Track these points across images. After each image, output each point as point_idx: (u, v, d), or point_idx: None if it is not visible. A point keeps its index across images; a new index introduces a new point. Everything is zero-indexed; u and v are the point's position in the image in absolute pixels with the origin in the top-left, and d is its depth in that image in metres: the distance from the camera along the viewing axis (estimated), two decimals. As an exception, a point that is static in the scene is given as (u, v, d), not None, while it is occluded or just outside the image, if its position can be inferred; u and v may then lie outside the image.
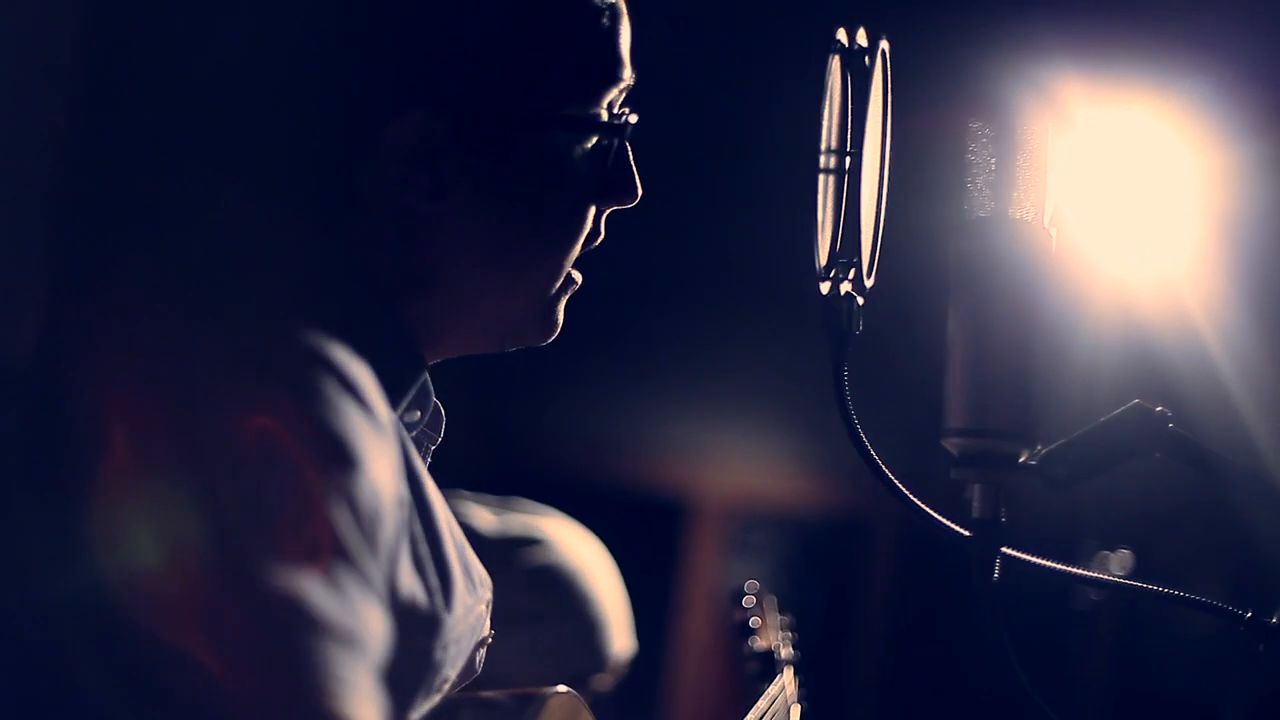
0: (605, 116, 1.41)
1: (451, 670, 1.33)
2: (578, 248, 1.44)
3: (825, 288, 1.50)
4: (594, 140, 1.41)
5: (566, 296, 1.46)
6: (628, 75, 1.42)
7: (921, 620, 5.62)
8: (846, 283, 1.49)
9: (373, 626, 1.12)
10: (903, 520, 5.65)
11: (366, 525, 1.14)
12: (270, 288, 1.28)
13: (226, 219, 1.33)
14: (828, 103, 1.47)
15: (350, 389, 1.19)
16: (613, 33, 1.42)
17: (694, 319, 5.37)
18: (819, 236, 1.48)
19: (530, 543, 2.42)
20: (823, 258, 1.49)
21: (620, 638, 2.46)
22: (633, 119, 1.42)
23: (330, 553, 1.12)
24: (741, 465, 5.81)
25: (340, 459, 1.15)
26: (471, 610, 1.36)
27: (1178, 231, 3.10)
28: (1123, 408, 1.48)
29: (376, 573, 1.15)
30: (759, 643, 2.12)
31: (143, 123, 1.34)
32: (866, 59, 1.48)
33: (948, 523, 1.50)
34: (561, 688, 1.47)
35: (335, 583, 1.11)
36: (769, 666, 2.09)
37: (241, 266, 1.29)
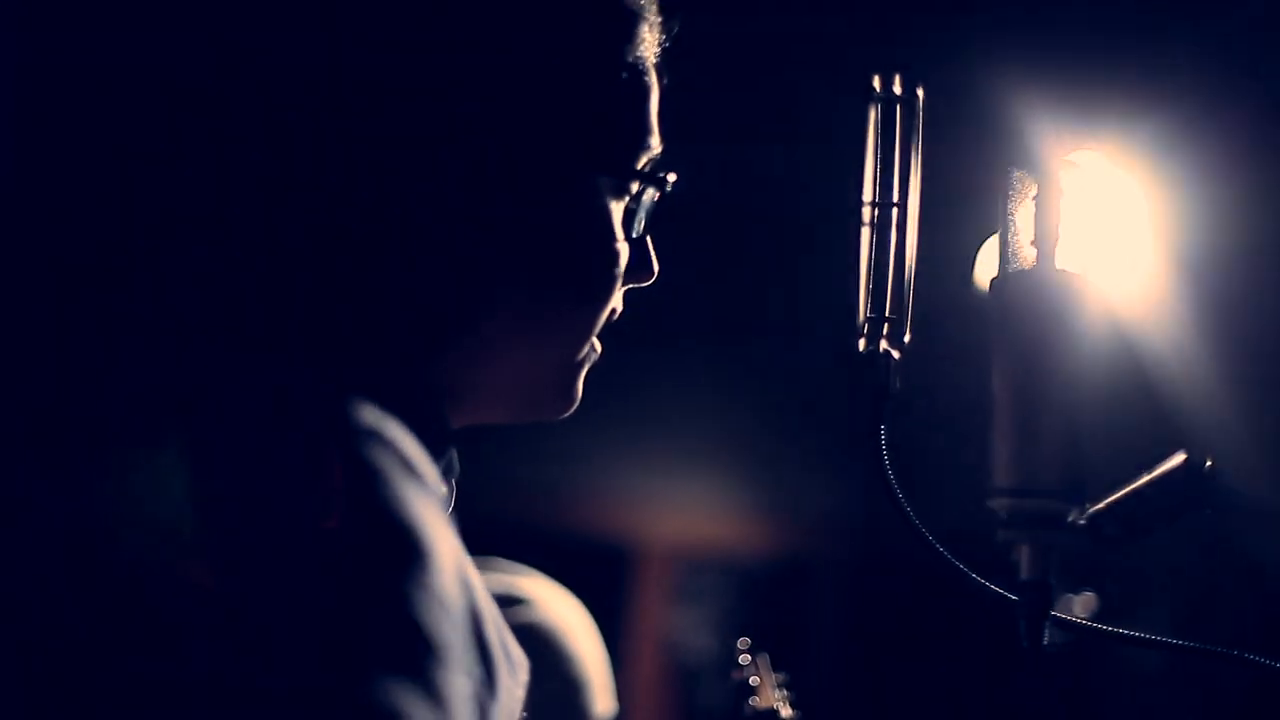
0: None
1: None
2: (604, 315, 1.40)
3: (863, 344, 1.46)
4: (625, 199, 1.38)
5: (587, 368, 1.42)
6: (657, 144, 1.40)
7: (867, 664, 5.60)
8: (884, 339, 1.46)
9: None
10: (847, 564, 5.63)
11: (448, 618, 1.08)
12: (300, 346, 1.22)
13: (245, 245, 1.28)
14: (869, 152, 1.44)
15: (409, 467, 1.13)
16: (647, 95, 1.39)
17: (637, 363, 5.33)
18: (859, 291, 1.45)
19: (512, 602, 2.37)
20: (862, 313, 1.45)
21: (603, 699, 2.42)
22: (668, 176, 1.39)
23: (425, 656, 1.05)
24: (686, 511, 5.77)
25: (418, 551, 1.08)
26: (511, 694, 1.29)
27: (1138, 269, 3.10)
28: (1170, 462, 1.45)
29: (460, 671, 1.09)
30: (759, 702, 2.07)
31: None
32: (903, 107, 1.45)
33: (995, 587, 1.46)
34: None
35: (433, 691, 1.04)
36: (773, 728, 2.05)
37: (267, 317, 1.23)
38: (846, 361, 1.46)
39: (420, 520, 1.09)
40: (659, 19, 1.41)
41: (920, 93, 1.46)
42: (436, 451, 1.29)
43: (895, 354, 1.47)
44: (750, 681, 2.08)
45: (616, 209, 1.38)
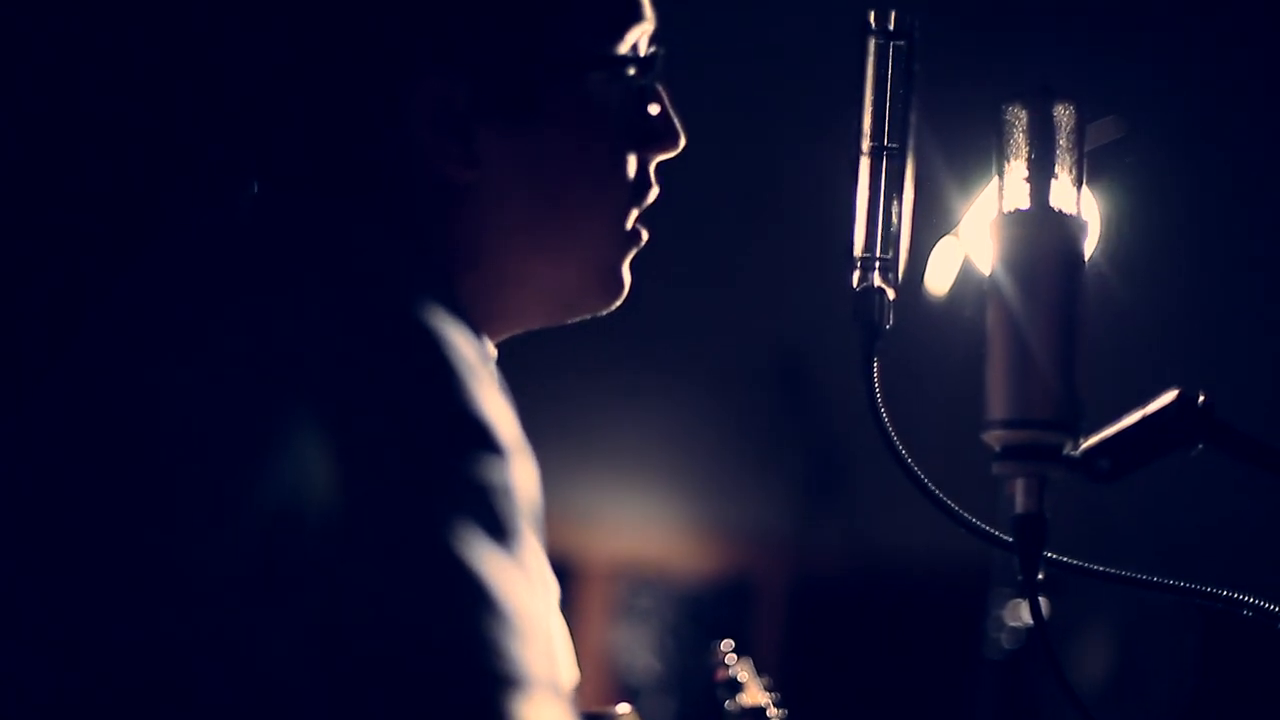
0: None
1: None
2: (628, 200, 1.38)
3: (856, 279, 1.47)
4: (624, 81, 1.36)
5: (631, 254, 1.40)
6: (649, 15, 1.38)
7: (810, 681, 5.59)
8: (878, 275, 1.47)
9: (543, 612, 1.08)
10: (790, 582, 5.63)
11: (521, 507, 1.10)
12: (340, 280, 1.21)
13: (256, 211, 1.28)
14: (866, 88, 1.45)
15: (474, 368, 1.14)
16: None
17: (577, 380, 5.32)
18: (855, 226, 1.46)
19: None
20: (858, 248, 1.47)
21: None
22: (660, 53, 1.37)
23: (508, 537, 1.08)
24: (626, 529, 5.76)
25: (493, 445, 1.10)
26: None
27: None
28: (1163, 397, 1.46)
29: (530, 547, 1.11)
30: (746, 700, 2.07)
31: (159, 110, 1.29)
32: (901, 42, 1.46)
33: (985, 527, 1.47)
34: (625, 707, 1.43)
35: (518, 560, 1.06)
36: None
37: (293, 265, 1.21)
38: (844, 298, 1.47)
39: (491, 412, 1.10)
40: None
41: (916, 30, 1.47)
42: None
43: (890, 291, 1.48)
44: (738, 678, 2.07)
45: (614, 97, 1.36)
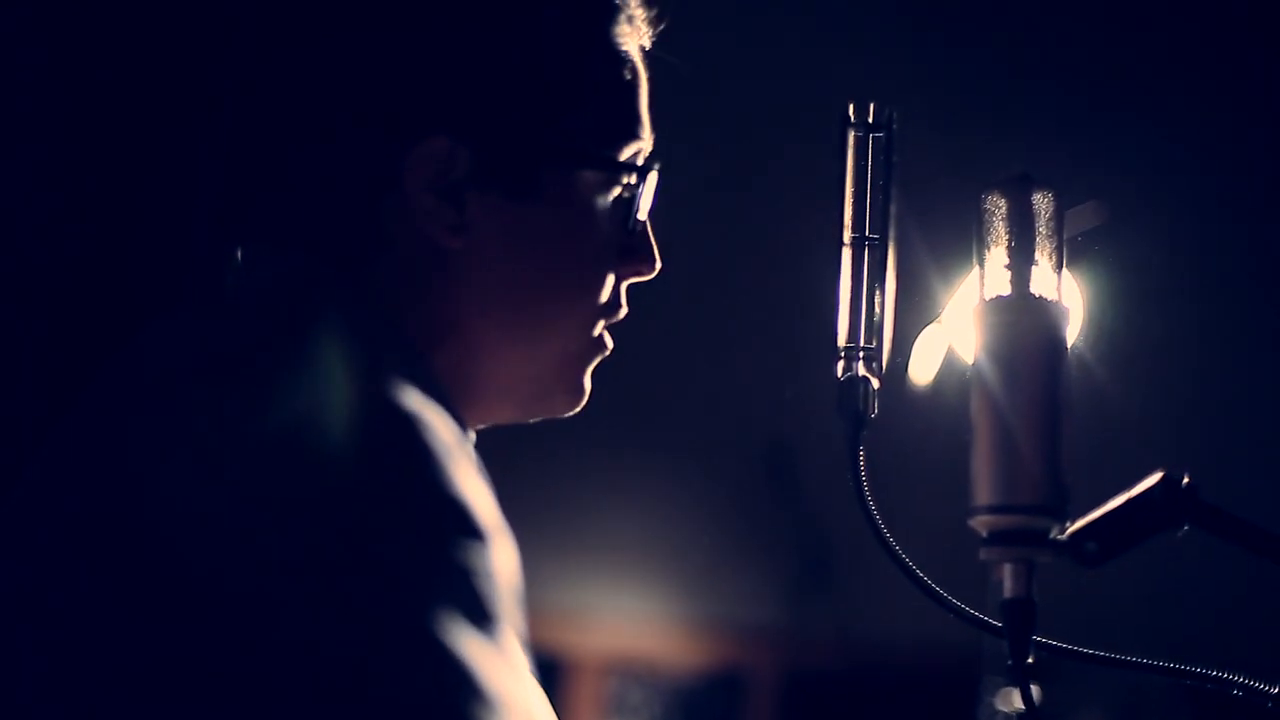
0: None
1: None
2: (599, 308, 1.40)
3: (840, 369, 1.49)
4: (615, 190, 1.38)
5: (594, 363, 1.41)
6: (647, 135, 1.40)
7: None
8: (862, 365, 1.48)
9: (528, 696, 1.09)
10: (781, 674, 5.62)
11: (502, 588, 1.10)
12: (325, 354, 1.22)
13: (249, 275, 1.29)
14: (847, 180, 1.47)
15: (452, 448, 1.14)
16: (634, 87, 1.40)
17: (567, 470, 5.32)
18: (838, 317, 1.47)
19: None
20: (842, 338, 1.48)
21: None
22: (656, 167, 1.39)
23: (488, 621, 1.08)
24: (618, 622, 5.75)
25: (472, 526, 1.10)
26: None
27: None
28: (1148, 480, 1.47)
29: (511, 630, 1.11)
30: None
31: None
32: (880, 134, 1.48)
33: (973, 612, 1.48)
34: None
35: (498, 644, 1.07)
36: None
37: (282, 336, 1.23)
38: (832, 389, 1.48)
39: (471, 496, 1.11)
40: (643, 10, 1.41)
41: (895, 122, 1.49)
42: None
43: (874, 381, 1.49)
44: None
45: (605, 202, 1.38)
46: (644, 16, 1.42)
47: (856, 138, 1.49)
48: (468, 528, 1.10)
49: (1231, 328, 3.14)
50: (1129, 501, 1.46)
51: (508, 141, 1.33)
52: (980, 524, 1.44)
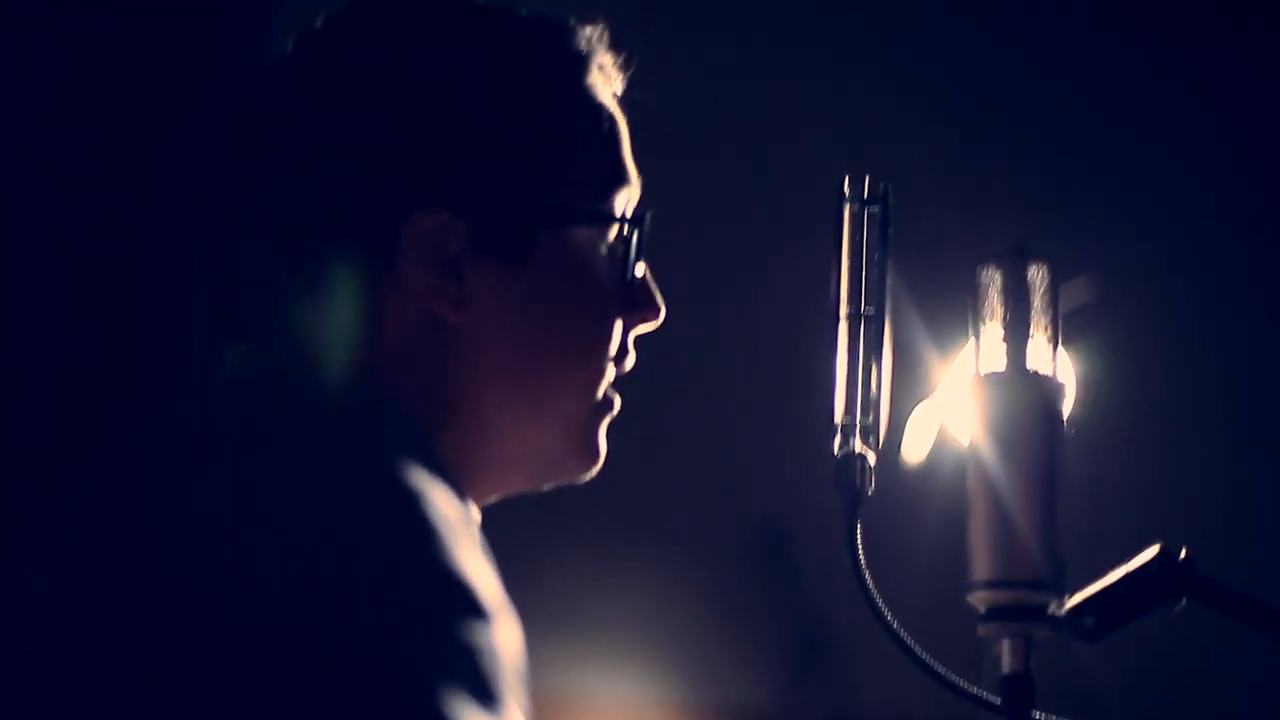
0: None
1: None
2: (608, 364, 1.39)
3: (837, 445, 1.48)
4: (612, 241, 1.38)
5: (606, 421, 1.40)
6: (634, 181, 1.40)
7: None
8: (859, 441, 1.48)
9: None
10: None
11: (505, 667, 1.10)
12: (326, 437, 1.21)
13: (249, 364, 1.28)
14: (843, 254, 1.47)
15: (455, 527, 1.14)
16: (614, 136, 1.40)
17: (557, 559, 5.29)
18: (835, 392, 1.47)
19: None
20: (839, 414, 1.48)
21: None
22: (648, 215, 1.38)
23: (492, 700, 1.07)
24: (611, 708, 5.71)
25: (475, 607, 1.10)
26: None
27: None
28: (1145, 554, 1.46)
29: (517, 710, 1.10)
30: None
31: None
32: (875, 208, 1.48)
33: (973, 689, 1.47)
34: None
35: None
36: None
37: (283, 422, 1.22)
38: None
39: (473, 574, 1.10)
40: (611, 57, 1.41)
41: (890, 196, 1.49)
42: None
43: (871, 457, 1.49)
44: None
45: (603, 255, 1.37)
46: (612, 63, 1.41)
47: (852, 211, 1.49)
48: (471, 606, 1.09)
49: (1230, 400, 3.14)
50: (1126, 576, 1.46)
51: (499, 208, 1.32)
52: (978, 600, 1.44)
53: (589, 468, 1.40)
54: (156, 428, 1.24)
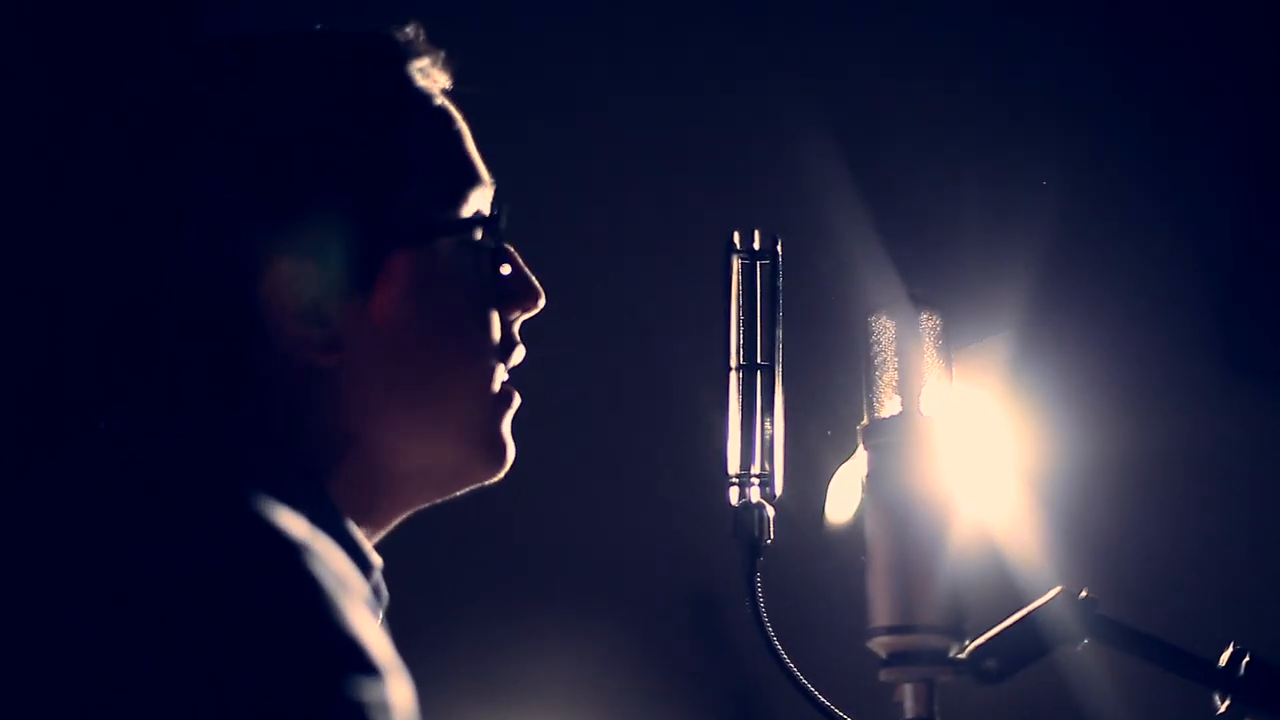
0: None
1: None
2: (494, 361, 1.37)
3: (734, 496, 1.48)
4: (472, 245, 1.35)
5: (507, 417, 1.37)
6: (487, 178, 1.38)
7: None
8: (755, 491, 1.48)
9: None
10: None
11: None
12: (213, 500, 1.19)
13: (105, 449, 1.27)
14: (733, 307, 1.48)
15: (342, 581, 1.12)
16: (453, 136, 1.38)
17: (481, 625, 5.26)
18: (728, 443, 1.48)
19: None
20: (733, 466, 1.48)
21: None
22: (506, 210, 1.36)
23: None
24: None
25: (366, 664, 1.08)
26: None
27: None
28: (1047, 595, 1.47)
29: None
30: None
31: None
32: (766, 261, 1.49)
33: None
34: None
35: None
36: None
37: (159, 495, 1.20)
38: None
39: (361, 630, 1.09)
40: (429, 58, 1.38)
41: (779, 248, 1.50)
42: (361, 568, 1.27)
43: (769, 507, 1.49)
44: None
45: (468, 258, 1.35)
46: (433, 63, 1.39)
47: (742, 264, 1.50)
48: (361, 663, 1.08)
49: (1149, 444, 3.17)
50: (1027, 617, 1.46)
51: (348, 240, 1.30)
52: (879, 645, 1.44)
53: (498, 468, 1.38)
54: (45, 494, 1.22)
